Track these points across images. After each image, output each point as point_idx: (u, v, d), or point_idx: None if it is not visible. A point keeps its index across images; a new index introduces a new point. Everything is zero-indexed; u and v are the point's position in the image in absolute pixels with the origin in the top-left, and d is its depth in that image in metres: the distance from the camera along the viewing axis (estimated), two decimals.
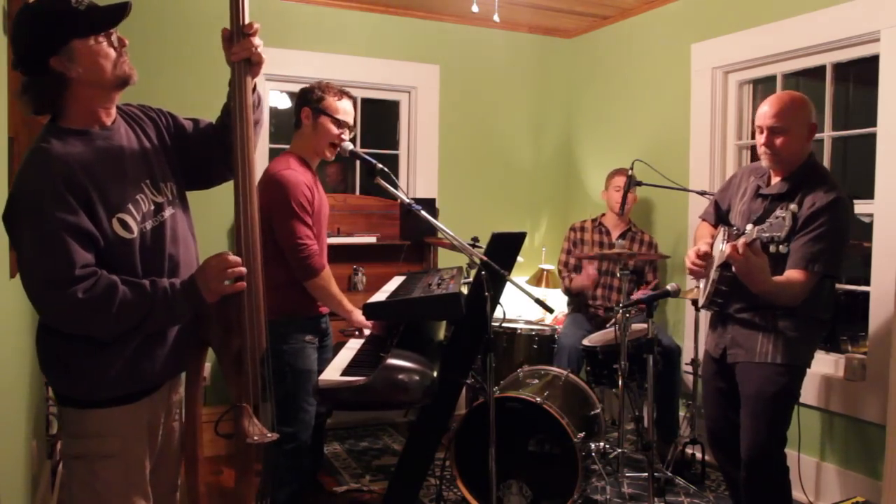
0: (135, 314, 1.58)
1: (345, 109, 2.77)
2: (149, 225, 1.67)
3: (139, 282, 1.60)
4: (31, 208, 1.52)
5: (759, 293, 2.46)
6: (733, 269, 2.43)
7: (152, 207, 1.69)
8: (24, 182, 1.55)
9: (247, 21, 1.71)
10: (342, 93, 2.78)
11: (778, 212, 2.32)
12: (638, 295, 3.72)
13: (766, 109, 2.53)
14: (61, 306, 1.54)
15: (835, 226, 2.43)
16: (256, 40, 1.71)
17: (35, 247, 1.52)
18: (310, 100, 2.75)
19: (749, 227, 2.36)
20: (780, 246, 2.28)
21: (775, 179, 2.61)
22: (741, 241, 2.33)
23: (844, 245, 2.50)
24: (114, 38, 1.62)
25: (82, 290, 1.51)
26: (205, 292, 1.64)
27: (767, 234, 2.28)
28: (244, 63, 1.71)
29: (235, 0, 1.69)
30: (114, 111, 1.69)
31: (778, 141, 2.50)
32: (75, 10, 1.56)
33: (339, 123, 2.75)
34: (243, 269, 1.67)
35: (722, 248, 2.56)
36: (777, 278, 2.43)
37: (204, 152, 1.84)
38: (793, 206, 2.32)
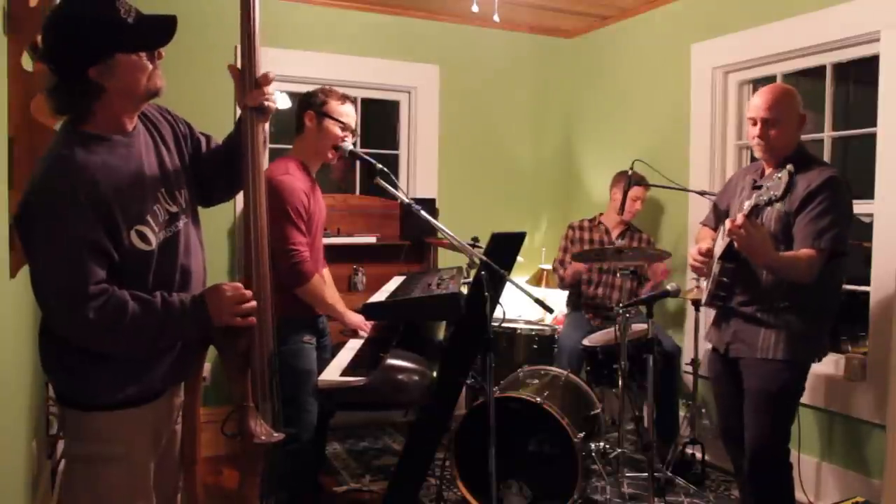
0: (144, 334, 1.56)
1: (348, 113, 2.81)
2: (163, 235, 1.65)
3: (150, 300, 1.57)
4: (51, 220, 1.48)
5: (764, 266, 2.47)
6: (735, 245, 2.43)
7: (167, 217, 1.66)
8: (45, 190, 1.50)
9: (261, 69, 1.69)
10: (345, 97, 2.83)
11: (775, 173, 2.33)
12: (643, 293, 3.72)
13: (759, 102, 2.57)
14: (71, 323, 1.52)
15: (834, 201, 2.43)
16: (270, 88, 1.70)
17: (51, 260, 1.49)
18: (313, 103, 2.79)
19: (746, 203, 2.38)
20: (778, 203, 2.31)
21: (768, 171, 2.63)
22: (739, 214, 2.35)
23: (848, 221, 2.50)
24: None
25: (93, 310, 1.48)
26: (215, 319, 1.62)
27: (765, 197, 2.30)
28: (255, 109, 1.70)
29: (250, 50, 1.68)
30: (136, 118, 1.66)
31: (772, 133, 2.54)
32: (124, 23, 1.51)
33: (343, 126, 2.78)
34: (255, 304, 1.66)
35: (721, 243, 2.58)
36: (783, 253, 2.45)
37: (210, 173, 1.83)
38: (789, 166, 2.31)
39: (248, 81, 1.69)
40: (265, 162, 1.86)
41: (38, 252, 1.51)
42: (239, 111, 1.75)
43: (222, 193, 1.91)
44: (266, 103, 1.71)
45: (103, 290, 1.51)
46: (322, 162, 2.87)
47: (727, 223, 2.43)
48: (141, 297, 1.56)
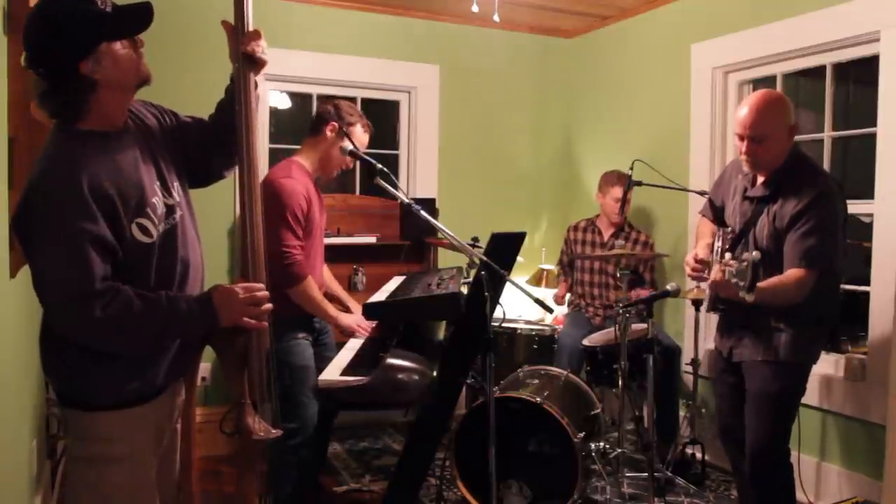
0: (149, 332, 1.56)
1: (365, 143, 2.90)
2: (162, 228, 1.65)
3: (155, 298, 1.57)
4: (53, 218, 1.48)
5: (755, 302, 2.47)
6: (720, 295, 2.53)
7: (165, 209, 1.67)
8: (44, 189, 1.50)
9: (251, 23, 1.73)
10: (369, 126, 2.92)
11: (744, 255, 2.28)
12: (637, 295, 3.70)
13: (744, 117, 2.48)
14: (78, 322, 1.51)
15: (821, 220, 2.42)
16: (262, 42, 1.74)
17: (55, 259, 1.49)
18: (342, 117, 2.84)
19: (727, 255, 2.37)
20: (747, 295, 2.26)
21: (759, 181, 2.61)
22: (718, 277, 2.37)
23: (836, 237, 2.47)
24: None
25: (100, 308, 1.48)
26: (223, 318, 1.62)
27: (735, 280, 2.27)
28: (247, 61, 1.73)
29: (240, 2, 1.71)
30: (126, 112, 1.67)
31: (759, 149, 2.49)
32: (103, 13, 1.53)
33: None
34: (270, 307, 1.67)
35: (718, 248, 2.58)
36: (770, 281, 2.44)
37: (204, 151, 1.84)
38: (755, 254, 2.27)
39: (239, 33, 1.73)
40: (259, 127, 1.89)
41: (41, 252, 1.51)
42: (231, 87, 1.77)
43: (220, 168, 1.90)
44: (258, 53, 1.74)
45: (109, 288, 1.51)
46: (328, 169, 2.92)
47: (713, 275, 2.44)
48: (145, 295, 1.56)
